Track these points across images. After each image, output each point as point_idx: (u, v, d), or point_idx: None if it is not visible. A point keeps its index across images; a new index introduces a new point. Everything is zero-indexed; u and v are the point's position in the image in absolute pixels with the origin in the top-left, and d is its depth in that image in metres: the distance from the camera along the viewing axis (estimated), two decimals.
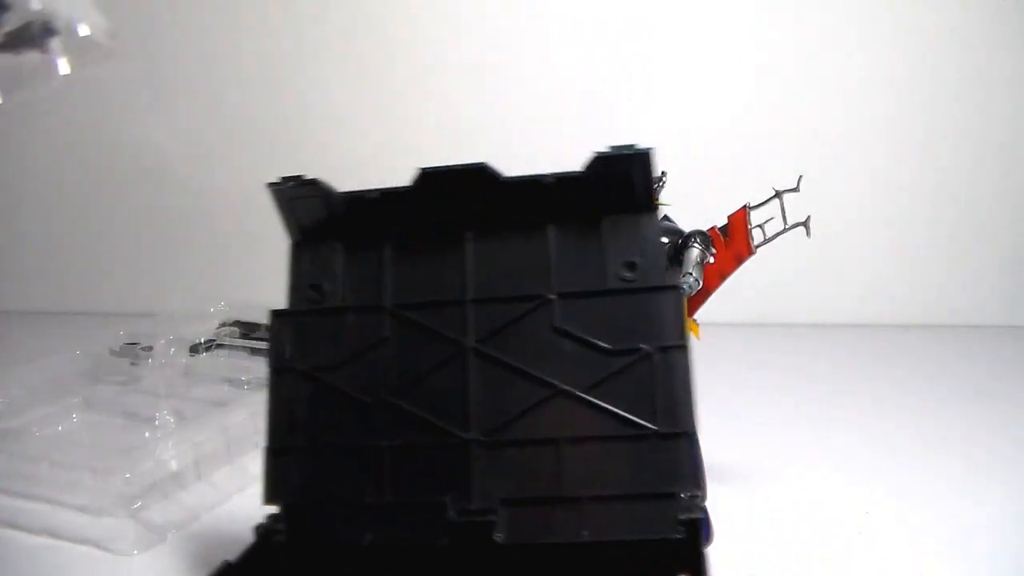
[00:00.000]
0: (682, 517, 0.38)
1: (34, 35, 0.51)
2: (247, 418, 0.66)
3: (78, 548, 0.56)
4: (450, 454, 0.39)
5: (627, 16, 1.03)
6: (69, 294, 1.24)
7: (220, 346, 0.87)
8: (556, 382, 0.40)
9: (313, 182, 0.42)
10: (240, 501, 0.62)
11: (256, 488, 0.63)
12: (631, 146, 0.40)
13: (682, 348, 0.40)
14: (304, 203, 0.43)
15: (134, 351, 0.83)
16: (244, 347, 0.87)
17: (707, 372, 0.64)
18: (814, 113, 1.02)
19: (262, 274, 1.17)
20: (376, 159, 1.12)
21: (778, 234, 0.52)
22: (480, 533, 0.37)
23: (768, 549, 0.55)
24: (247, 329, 0.91)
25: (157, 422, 0.72)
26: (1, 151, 1.20)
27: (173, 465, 0.60)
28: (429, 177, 0.41)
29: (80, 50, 0.55)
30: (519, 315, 0.41)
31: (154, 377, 0.80)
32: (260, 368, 0.81)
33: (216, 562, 0.54)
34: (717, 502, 0.56)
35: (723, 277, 0.54)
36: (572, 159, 1.02)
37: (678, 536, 0.38)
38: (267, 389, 0.42)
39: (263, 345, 0.86)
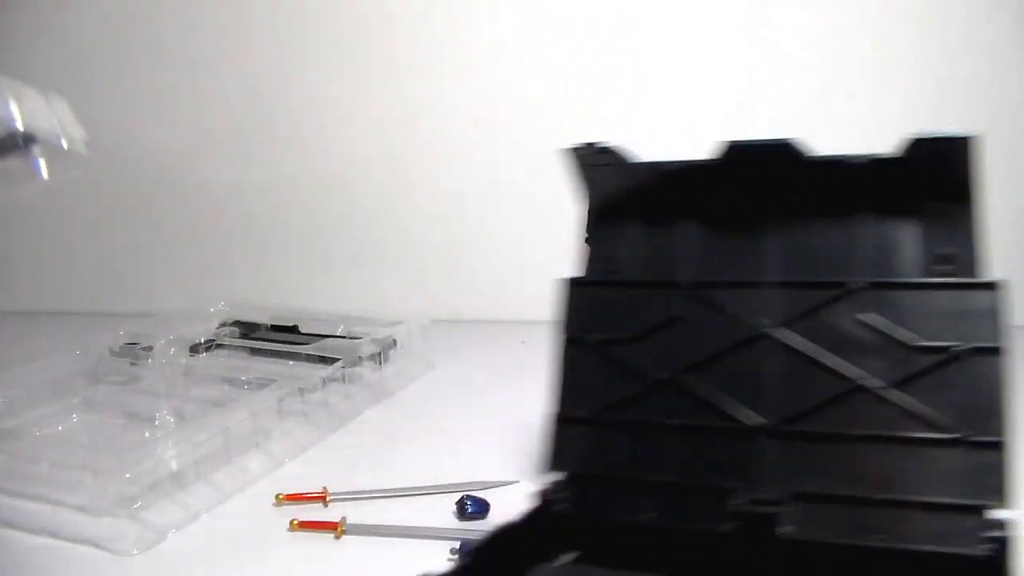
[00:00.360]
0: (989, 535, 0.35)
1: (17, 144, 0.55)
2: (247, 418, 0.66)
3: (78, 548, 0.56)
4: (737, 440, 0.37)
5: (620, 12, 1.03)
6: (69, 294, 1.24)
7: (220, 346, 0.87)
8: (856, 376, 0.37)
9: (612, 149, 0.40)
10: (240, 501, 0.62)
11: (254, 488, 0.64)
12: (953, 131, 0.38)
13: (1000, 350, 0.37)
14: (602, 170, 0.41)
15: (134, 351, 0.83)
16: (244, 347, 0.87)
17: None
18: (813, 112, 1.02)
19: (262, 274, 1.18)
20: (378, 158, 1.13)
21: None
22: (764, 525, 0.35)
23: None
24: (247, 329, 0.91)
25: (157, 422, 0.72)
26: None
27: (173, 465, 0.60)
28: (734, 150, 0.39)
29: (60, 158, 0.58)
30: (822, 302, 0.38)
31: (154, 377, 0.80)
32: (260, 368, 0.82)
33: (216, 563, 0.54)
34: None
35: None
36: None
37: (982, 554, 0.34)
38: (557, 357, 0.41)
39: (263, 345, 0.86)
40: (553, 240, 1.01)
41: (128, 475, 0.56)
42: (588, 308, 0.41)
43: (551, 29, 1.05)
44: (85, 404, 0.76)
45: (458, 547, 0.53)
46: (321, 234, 1.15)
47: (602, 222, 0.42)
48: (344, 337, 0.87)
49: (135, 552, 0.55)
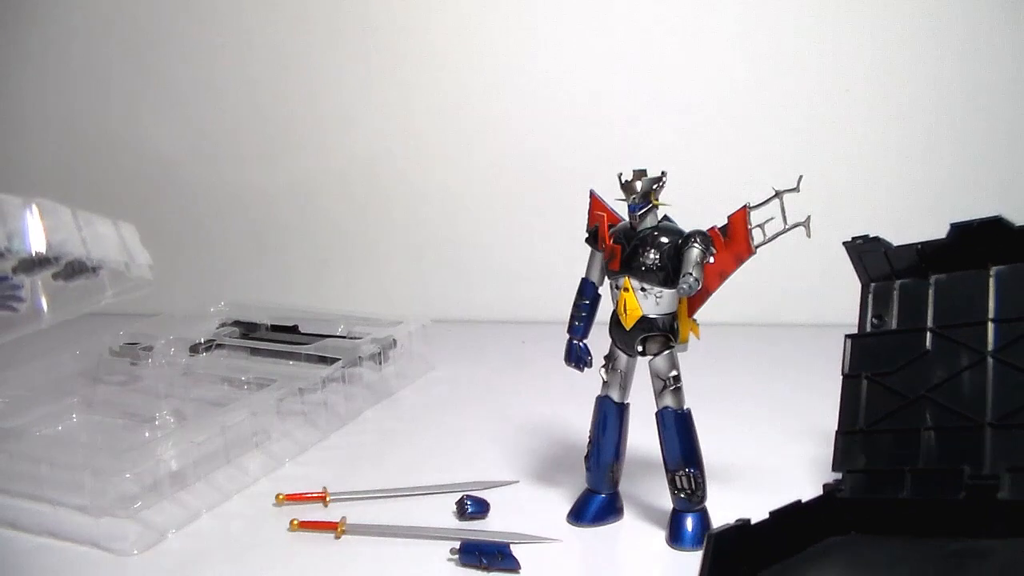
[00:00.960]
0: None
1: (87, 268, 0.63)
2: (247, 418, 0.66)
3: (78, 548, 0.56)
4: (969, 434, 0.49)
5: (624, 13, 1.03)
6: None
7: (220, 346, 0.87)
8: None
9: (877, 239, 0.56)
10: (240, 501, 0.62)
11: (254, 488, 0.64)
12: None
13: None
14: (870, 255, 0.56)
15: (134, 351, 0.83)
16: (244, 347, 0.87)
17: (707, 372, 0.65)
18: (815, 112, 1.02)
19: (262, 274, 1.18)
20: (378, 158, 1.13)
21: (778, 234, 0.52)
22: (988, 493, 0.46)
23: None
24: (247, 329, 0.91)
25: (157, 422, 0.72)
26: (1, 150, 1.20)
27: (173, 465, 0.60)
28: (959, 228, 0.52)
29: (124, 280, 0.66)
30: None
31: (154, 377, 0.81)
32: (260, 368, 0.82)
33: (216, 563, 0.54)
34: (717, 503, 0.56)
35: (723, 277, 0.54)
36: (571, 156, 1.02)
37: None
38: (841, 389, 0.55)
39: (263, 345, 0.86)
40: (553, 241, 1.01)
41: (128, 475, 0.56)
42: (861, 353, 0.55)
43: (552, 30, 1.05)
44: (85, 404, 0.76)
45: (458, 547, 0.53)
46: (321, 234, 1.15)
47: (871, 291, 0.57)
48: (344, 337, 0.87)
49: (135, 552, 0.55)
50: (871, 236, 0.55)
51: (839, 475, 0.53)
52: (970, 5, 0.98)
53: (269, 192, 1.14)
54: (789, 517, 0.48)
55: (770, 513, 0.47)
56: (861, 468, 0.52)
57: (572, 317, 0.58)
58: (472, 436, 0.74)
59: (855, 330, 0.57)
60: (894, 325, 0.55)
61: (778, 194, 0.52)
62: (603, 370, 0.57)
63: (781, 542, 0.47)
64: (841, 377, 0.55)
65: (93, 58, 1.15)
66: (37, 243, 0.57)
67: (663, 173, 0.53)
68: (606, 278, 0.56)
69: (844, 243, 0.56)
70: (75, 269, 0.63)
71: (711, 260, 0.52)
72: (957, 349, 0.52)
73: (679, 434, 0.54)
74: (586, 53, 1.05)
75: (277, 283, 1.16)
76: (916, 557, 0.47)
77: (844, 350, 0.56)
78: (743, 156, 1.03)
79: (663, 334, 0.54)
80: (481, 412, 0.79)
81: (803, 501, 0.49)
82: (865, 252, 0.56)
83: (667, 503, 0.56)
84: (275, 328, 0.91)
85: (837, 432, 0.54)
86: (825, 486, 0.52)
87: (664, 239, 0.53)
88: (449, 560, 0.53)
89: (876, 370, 0.54)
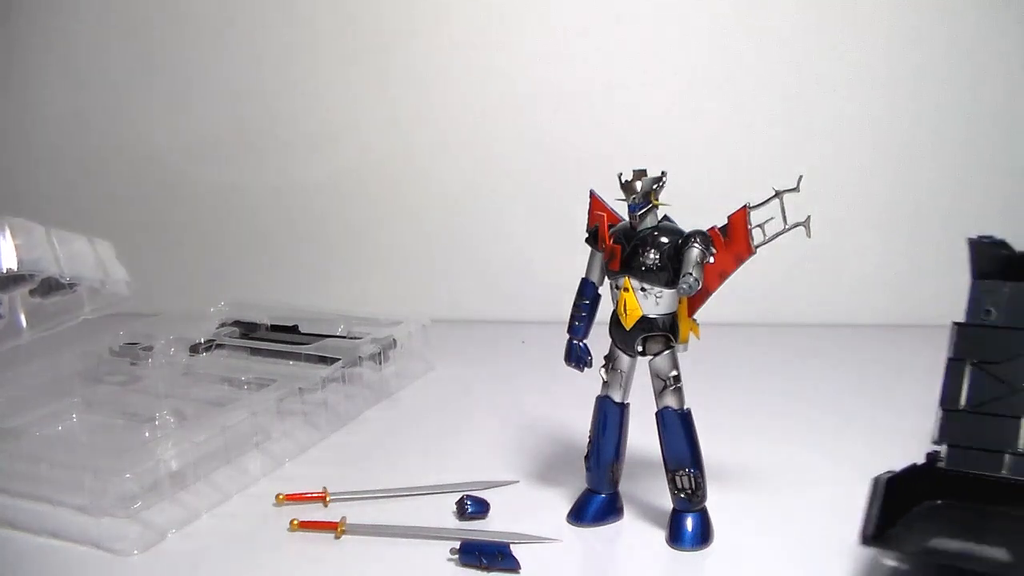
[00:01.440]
0: None
1: (63, 285, 0.64)
2: (247, 418, 0.66)
3: (78, 548, 0.56)
4: None
5: (623, 13, 1.03)
6: None
7: (220, 346, 0.87)
8: None
9: (1003, 242, 0.60)
10: (240, 501, 0.63)
11: (254, 488, 0.64)
12: None
13: None
14: (987, 253, 0.60)
15: (134, 351, 0.83)
16: (244, 347, 0.87)
17: (708, 372, 0.65)
18: (815, 112, 1.02)
19: (262, 274, 1.18)
20: (378, 158, 1.13)
21: (778, 234, 0.52)
22: None
23: (769, 549, 0.55)
24: (247, 329, 0.91)
25: (157, 422, 0.72)
26: (3, 149, 1.20)
27: (173, 465, 0.60)
28: None
29: (101, 296, 0.67)
30: None
31: (154, 377, 0.80)
32: (260, 368, 0.82)
33: (216, 563, 0.55)
34: (717, 502, 0.56)
35: (723, 277, 0.54)
36: (571, 156, 1.02)
37: None
38: (944, 370, 0.59)
39: (263, 345, 0.86)
40: (553, 241, 1.01)
41: (128, 475, 0.56)
42: (966, 340, 0.60)
43: (552, 33, 1.05)
44: (85, 404, 0.76)
45: (458, 547, 0.53)
46: (321, 234, 1.15)
47: (981, 285, 0.61)
48: (344, 337, 0.86)
49: (135, 552, 0.55)
50: (997, 238, 0.61)
51: (938, 448, 0.58)
52: (973, 3, 0.98)
53: (269, 192, 1.14)
54: (911, 477, 0.54)
55: (901, 470, 0.53)
56: (961, 443, 0.57)
57: (572, 317, 0.58)
58: (472, 436, 0.74)
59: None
60: (1000, 321, 0.60)
61: (778, 194, 0.52)
62: (603, 370, 0.57)
63: (899, 500, 0.53)
64: (946, 359, 0.60)
65: (97, 57, 1.15)
66: (8, 261, 0.58)
67: (663, 173, 0.53)
68: (606, 278, 0.56)
69: (969, 239, 0.61)
70: (51, 286, 0.65)
71: (711, 260, 0.52)
72: None
73: (679, 434, 0.54)
74: (586, 54, 1.05)
75: (277, 283, 1.15)
76: (1010, 528, 0.53)
77: (951, 335, 0.61)
78: (743, 156, 1.03)
79: (663, 334, 0.54)
80: (481, 412, 0.80)
81: (917, 464, 0.56)
82: (985, 250, 0.61)
83: (667, 503, 0.56)
84: (275, 328, 0.90)
85: (940, 408, 0.59)
86: (928, 455, 0.57)
87: (664, 239, 0.53)
88: (449, 560, 0.53)
89: (981, 358, 0.59)
